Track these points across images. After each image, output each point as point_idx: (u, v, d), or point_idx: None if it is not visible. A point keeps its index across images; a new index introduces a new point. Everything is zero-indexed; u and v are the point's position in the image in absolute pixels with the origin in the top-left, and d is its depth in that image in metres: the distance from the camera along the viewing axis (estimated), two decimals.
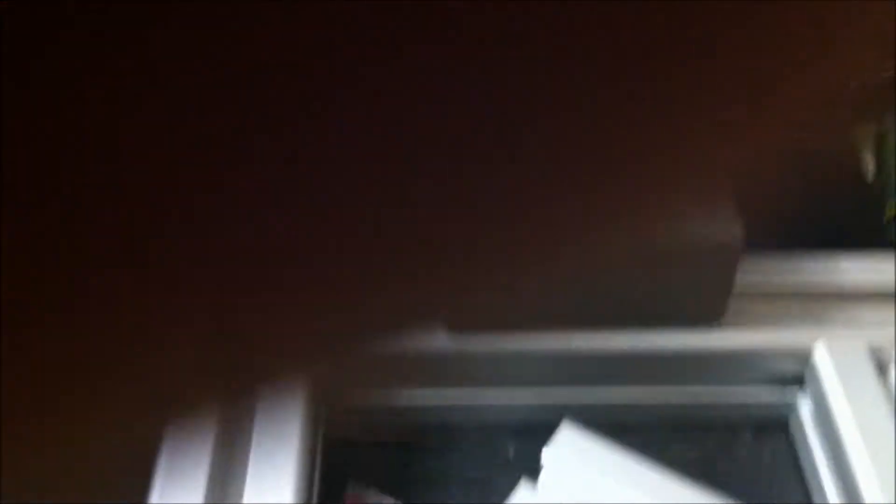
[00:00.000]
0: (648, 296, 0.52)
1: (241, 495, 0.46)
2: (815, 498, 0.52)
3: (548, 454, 0.49)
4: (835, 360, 0.52)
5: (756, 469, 0.54)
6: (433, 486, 0.53)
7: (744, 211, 0.50)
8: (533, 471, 0.49)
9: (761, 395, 0.55)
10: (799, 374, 0.54)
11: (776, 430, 0.55)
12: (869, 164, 0.74)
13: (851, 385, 0.51)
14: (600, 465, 0.48)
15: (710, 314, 0.53)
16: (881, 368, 0.52)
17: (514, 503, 0.47)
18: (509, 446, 0.55)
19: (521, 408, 0.55)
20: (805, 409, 0.54)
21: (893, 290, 0.56)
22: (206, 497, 0.45)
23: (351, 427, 0.55)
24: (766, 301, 0.55)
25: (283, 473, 0.47)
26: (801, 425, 0.54)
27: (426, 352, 0.53)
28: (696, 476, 0.53)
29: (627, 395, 0.55)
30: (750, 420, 0.56)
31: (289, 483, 0.46)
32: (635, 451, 0.50)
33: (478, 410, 0.55)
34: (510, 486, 0.49)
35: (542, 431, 0.51)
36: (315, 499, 0.50)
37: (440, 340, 0.52)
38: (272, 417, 0.49)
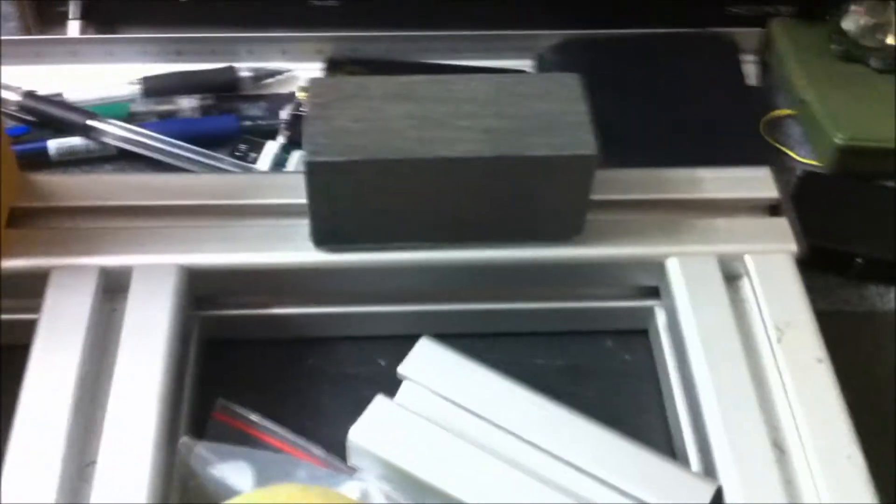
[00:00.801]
0: (508, 212, 0.53)
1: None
2: (666, 402, 0.55)
3: (404, 369, 0.51)
4: (685, 271, 0.54)
5: (616, 375, 0.57)
6: (303, 391, 0.56)
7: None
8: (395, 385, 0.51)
9: (621, 306, 0.58)
10: (655, 287, 0.56)
11: (636, 339, 0.58)
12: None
13: (698, 295, 0.53)
14: (456, 379, 0.50)
15: (568, 229, 0.54)
16: (729, 279, 0.54)
17: (367, 417, 0.48)
18: (379, 358, 0.57)
19: (388, 321, 0.57)
20: (660, 318, 0.56)
21: (752, 201, 0.58)
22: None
23: (223, 332, 0.57)
24: (625, 214, 0.57)
25: (152, 376, 0.49)
26: (657, 334, 0.56)
27: (295, 266, 0.54)
28: (561, 383, 0.56)
29: (492, 307, 0.57)
30: (611, 329, 0.58)
31: (156, 385, 0.48)
32: (503, 363, 0.52)
33: (346, 322, 0.57)
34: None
35: (410, 345, 0.52)
36: (185, 405, 0.52)
37: (309, 256, 0.54)
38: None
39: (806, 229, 0.57)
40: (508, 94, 0.53)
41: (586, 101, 0.52)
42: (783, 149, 0.71)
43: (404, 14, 0.72)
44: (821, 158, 0.70)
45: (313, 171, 0.50)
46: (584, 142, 0.50)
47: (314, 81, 0.53)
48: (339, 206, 0.52)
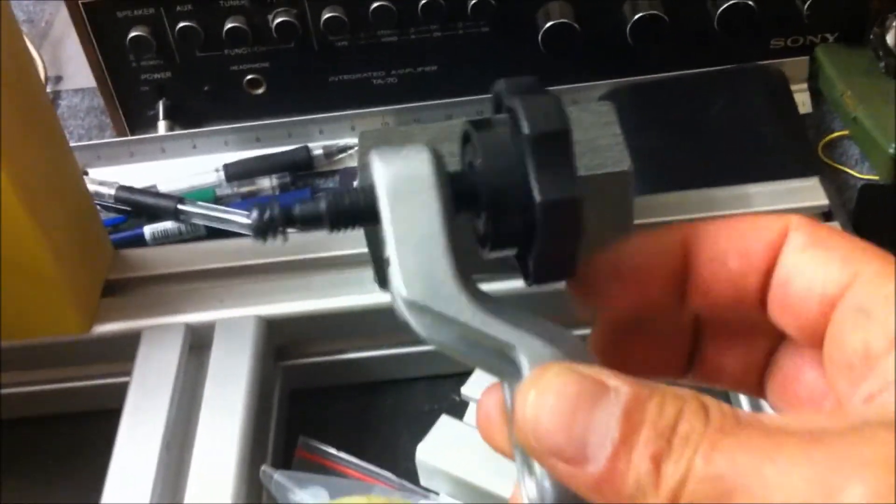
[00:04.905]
0: None
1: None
2: None
3: (468, 390, 0.53)
4: None
5: None
6: (379, 429, 0.58)
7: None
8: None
9: None
10: None
11: None
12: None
13: None
14: None
15: None
16: None
17: (433, 435, 0.51)
18: (453, 394, 0.60)
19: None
20: None
21: (804, 210, 0.60)
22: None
23: (305, 380, 0.61)
24: None
25: (234, 418, 0.52)
26: None
27: (361, 308, 0.58)
28: None
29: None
30: None
31: (238, 427, 0.52)
32: None
33: (419, 361, 0.60)
34: None
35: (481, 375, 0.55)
36: (270, 448, 0.56)
37: (373, 298, 0.58)
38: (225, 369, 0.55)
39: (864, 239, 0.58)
40: None
41: (619, 125, 0.55)
42: (842, 168, 0.72)
43: (455, 83, 0.77)
44: (878, 171, 0.70)
45: None
46: (619, 160, 0.53)
47: (364, 133, 0.58)
48: None
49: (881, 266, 0.24)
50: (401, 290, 0.24)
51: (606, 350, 0.29)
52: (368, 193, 0.26)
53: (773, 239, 0.26)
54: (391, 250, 0.25)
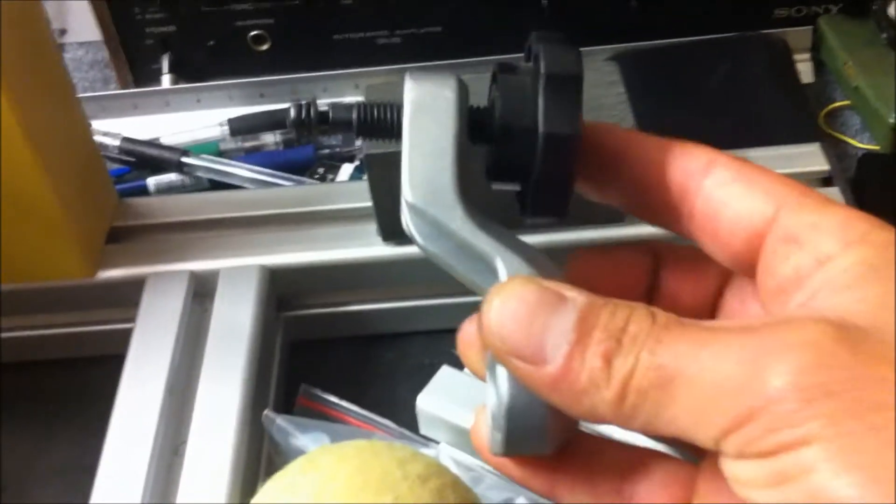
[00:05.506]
0: None
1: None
2: None
3: None
4: None
5: None
6: (379, 381, 0.59)
7: None
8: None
9: None
10: None
11: None
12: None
13: None
14: None
15: (615, 214, 0.57)
16: None
17: (433, 385, 0.52)
18: (453, 349, 0.60)
19: (460, 312, 0.60)
20: None
21: (804, 175, 0.60)
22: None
23: (306, 332, 0.61)
24: None
25: (237, 362, 0.53)
26: None
27: (364, 260, 0.58)
28: None
29: None
30: None
31: (241, 371, 0.53)
32: None
33: (420, 315, 0.61)
34: None
35: None
36: (272, 396, 0.57)
37: (376, 250, 0.58)
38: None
39: (864, 208, 0.58)
40: None
41: (623, 84, 0.56)
42: (843, 137, 0.73)
43: (459, 45, 0.77)
44: (879, 141, 0.71)
45: (372, 164, 0.54)
46: (622, 118, 0.54)
47: (370, 87, 0.58)
48: (400, 198, 0.56)
49: (801, 196, 0.25)
50: (406, 193, 0.27)
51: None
52: (396, 110, 0.28)
53: (700, 168, 0.27)
54: (405, 158, 0.27)
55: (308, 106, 0.29)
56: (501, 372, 0.25)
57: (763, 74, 0.76)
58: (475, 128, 0.28)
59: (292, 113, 0.29)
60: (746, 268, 0.26)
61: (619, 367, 0.23)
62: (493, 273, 0.27)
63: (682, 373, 0.22)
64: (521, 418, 0.26)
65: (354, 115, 0.29)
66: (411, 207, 0.27)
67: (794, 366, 0.21)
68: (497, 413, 0.26)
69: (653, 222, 0.29)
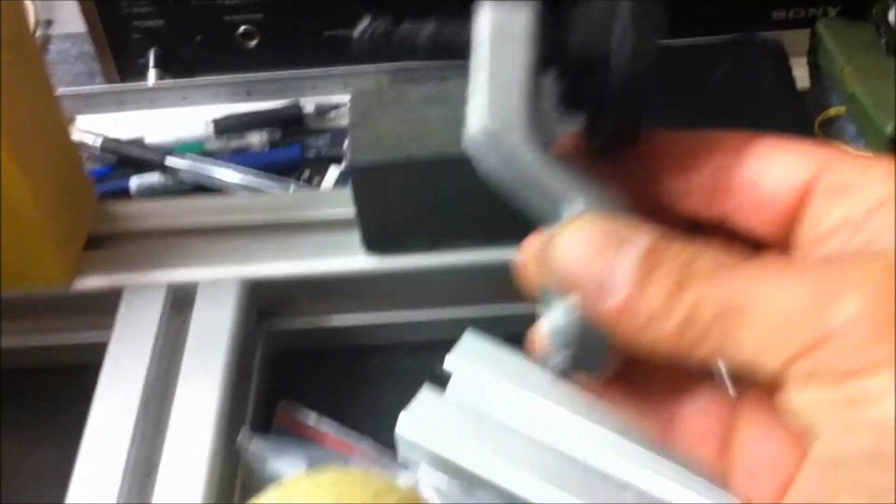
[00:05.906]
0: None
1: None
2: None
3: (450, 364, 0.52)
4: None
5: None
6: (362, 394, 0.58)
7: None
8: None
9: None
10: None
11: None
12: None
13: None
14: (503, 370, 0.52)
15: None
16: None
17: (413, 410, 0.51)
18: (437, 363, 0.59)
19: (444, 326, 0.59)
20: None
21: None
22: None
23: (288, 344, 0.60)
24: None
25: (214, 378, 0.52)
26: None
27: (347, 272, 0.57)
28: None
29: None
30: None
31: (217, 388, 0.52)
32: None
33: (404, 329, 0.60)
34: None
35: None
36: (250, 411, 0.56)
37: (359, 261, 0.57)
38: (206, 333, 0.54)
39: None
40: None
41: None
42: (839, 144, 0.72)
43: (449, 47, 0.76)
44: (874, 151, 0.70)
45: (357, 174, 0.53)
46: None
47: (355, 94, 0.57)
48: (384, 209, 0.55)
49: (841, 153, 0.26)
50: (485, 118, 0.26)
51: None
52: (469, 30, 0.28)
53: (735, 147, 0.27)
54: (482, 83, 0.27)
55: (376, 20, 0.28)
56: (569, 299, 0.26)
57: (759, 78, 0.74)
58: (551, 55, 0.28)
59: (357, 31, 0.28)
60: (784, 234, 0.26)
61: (682, 302, 0.23)
62: (562, 204, 0.27)
63: (751, 302, 0.22)
64: (586, 345, 0.27)
65: (426, 32, 0.29)
66: (488, 133, 0.27)
67: (866, 295, 0.21)
68: (559, 336, 0.27)
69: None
